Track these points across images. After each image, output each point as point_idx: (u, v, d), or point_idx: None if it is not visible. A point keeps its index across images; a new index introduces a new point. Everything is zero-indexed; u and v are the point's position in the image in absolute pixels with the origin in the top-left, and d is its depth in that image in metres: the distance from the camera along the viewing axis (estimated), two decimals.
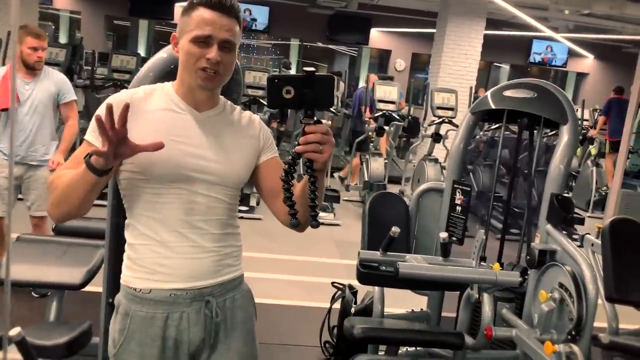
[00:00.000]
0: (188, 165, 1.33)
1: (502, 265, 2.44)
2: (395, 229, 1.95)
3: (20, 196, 3.48)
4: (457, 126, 6.31)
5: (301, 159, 1.18)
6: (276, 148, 1.52)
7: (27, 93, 3.27)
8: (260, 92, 5.79)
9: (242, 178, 1.42)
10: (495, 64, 14.50)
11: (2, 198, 3.27)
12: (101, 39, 12.71)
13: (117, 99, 1.32)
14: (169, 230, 1.34)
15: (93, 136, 1.31)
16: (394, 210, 2.57)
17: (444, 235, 1.96)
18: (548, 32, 10.03)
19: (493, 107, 2.44)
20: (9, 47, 5.95)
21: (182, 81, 1.37)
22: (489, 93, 2.53)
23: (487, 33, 8.66)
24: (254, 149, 1.44)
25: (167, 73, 1.91)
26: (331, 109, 6.64)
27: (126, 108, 1.14)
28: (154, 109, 1.35)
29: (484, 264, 2.20)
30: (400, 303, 2.74)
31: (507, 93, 2.37)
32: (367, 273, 1.99)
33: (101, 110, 1.23)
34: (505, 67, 14.87)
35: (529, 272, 2.16)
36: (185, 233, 1.34)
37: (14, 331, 1.80)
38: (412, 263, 1.87)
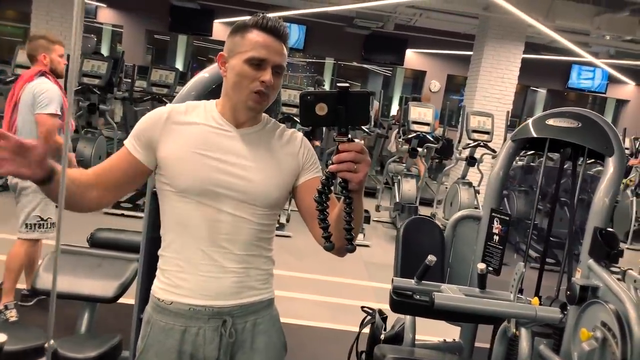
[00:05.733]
0: (214, 181, 1.32)
1: (540, 298, 2.36)
2: (431, 258, 1.91)
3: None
4: (493, 150, 6.26)
5: (337, 180, 1.13)
6: (319, 168, 1.46)
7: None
8: (294, 110, 5.82)
9: (273, 198, 1.37)
10: (532, 88, 14.27)
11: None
12: (141, 53, 13.03)
13: (155, 112, 1.39)
14: (193, 246, 1.35)
15: (130, 142, 1.37)
16: (428, 236, 2.52)
17: (481, 266, 1.91)
18: (588, 58, 9.83)
19: (535, 135, 2.38)
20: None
21: (227, 99, 1.38)
22: (530, 121, 2.48)
23: (525, 57, 8.55)
24: (291, 168, 1.40)
25: (209, 92, 1.94)
26: (364, 127, 6.65)
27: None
28: (190, 122, 1.37)
29: (521, 296, 2.13)
30: (432, 331, 2.68)
31: (550, 122, 2.31)
32: (401, 301, 1.94)
33: (142, 121, 1.37)
34: (542, 92, 14.63)
35: (568, 308, 2.09)
36: (207, 251, 1.34)
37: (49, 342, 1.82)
38: (449, 294, 1.82)
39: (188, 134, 1.35)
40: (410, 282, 1.98)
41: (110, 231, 2.84)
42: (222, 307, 1.35)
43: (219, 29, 12.88)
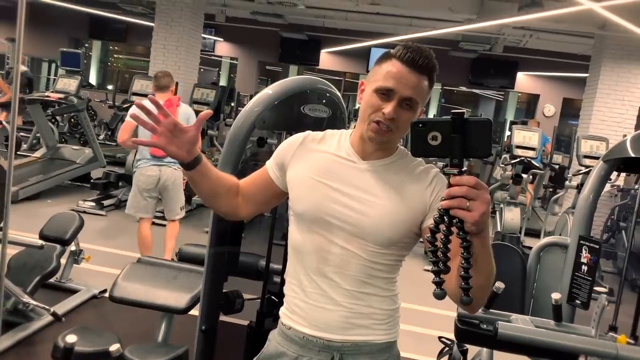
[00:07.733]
0: (327, 210, 1.29)
1: (635, 338, 2.10)
2: (498, 285, 1.77)
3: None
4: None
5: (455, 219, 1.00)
6: None
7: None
8: None
9: (386, 235, 1.28)
10: None
11: (138, 202, 4.05)
12: (254, 83, 13.71)
13: (294, 136, 1.43)
14: (305, 273, 1.34)
15: (269, 162, 1.44)
16: (509, 264, 2.34)
17: (556, 296, 1.74)
18: None
19: (632, 154, 2.15)
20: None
21: (357, 129, 1.35)
22: (628, 138, 2.24)
23: None
24: (417, 207, 1.28)
25: (271, 108, 1.97)
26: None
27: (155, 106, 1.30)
28: (321, 150, 1.38)
29: (611, 334, 1.90)
30: None
31: None
32: (465, 330, 1.81)
33: (281, 144, 1.44)
34: None
35: None
36: (317, 281, 1.32)
37: (114, 347, 1.92)
38: (515, 324, 1.67)
39: (313, 161, 1.36)
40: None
41: (196, 246, 2.95)
42: (331, 340, 1.31)
43: (325, 58, 13.25)
